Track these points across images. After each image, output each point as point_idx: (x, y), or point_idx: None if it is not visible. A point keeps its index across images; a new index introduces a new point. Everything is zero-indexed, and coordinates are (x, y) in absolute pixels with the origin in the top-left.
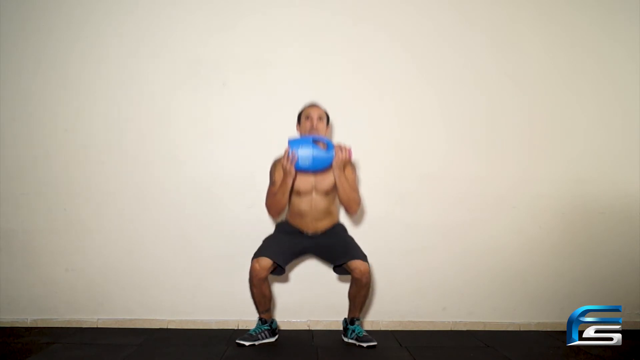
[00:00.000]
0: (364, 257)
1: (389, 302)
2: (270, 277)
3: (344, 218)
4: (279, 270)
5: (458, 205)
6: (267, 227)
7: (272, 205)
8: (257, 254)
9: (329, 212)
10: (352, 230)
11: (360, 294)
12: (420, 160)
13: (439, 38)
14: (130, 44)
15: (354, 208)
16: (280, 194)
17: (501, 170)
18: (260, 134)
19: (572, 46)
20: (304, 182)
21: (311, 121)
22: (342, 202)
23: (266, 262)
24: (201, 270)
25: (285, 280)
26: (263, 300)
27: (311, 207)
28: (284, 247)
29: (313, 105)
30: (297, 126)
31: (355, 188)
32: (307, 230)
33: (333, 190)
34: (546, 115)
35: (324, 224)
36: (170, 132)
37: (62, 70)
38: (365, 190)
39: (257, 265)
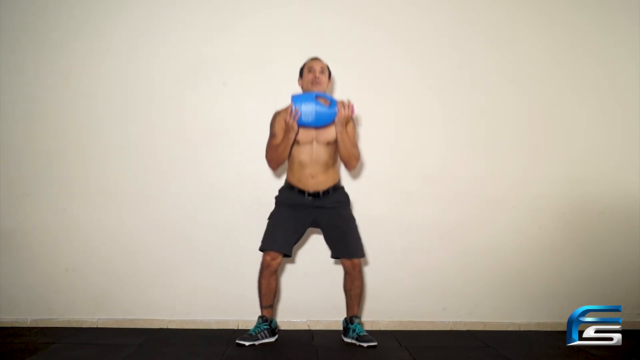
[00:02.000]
0: (361, 255)
1: (389, 302)
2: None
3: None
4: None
5: (458, 205)
6: None
7: (272, 158)
8: (265, 247)
9: (328, 166)
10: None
11: (355, 285)
12: (420, 161)
13: (439, 38)
14: (130, 44)
15: (353, 163)
16: (282, 148)
17: (501, 170)
18: (260, 133)
19: (572, 46)
20: (305, 133)
21: (314, 73)
22: (342, 157)
23: (276, 254)
24: (201, 271)
25: (286, 280)
26: (269, 293)
27: (311, 158)
28: (289, 230)
29: (315, 59)
30: (298, 80)
31: (355, 144)
32: (308, 188)
33: (333, 142)
34: (546, 115)
35: (323, 180)
36: (170, 131)
37: (62, 70)
38: (365, 191)
39: (268, 258)
